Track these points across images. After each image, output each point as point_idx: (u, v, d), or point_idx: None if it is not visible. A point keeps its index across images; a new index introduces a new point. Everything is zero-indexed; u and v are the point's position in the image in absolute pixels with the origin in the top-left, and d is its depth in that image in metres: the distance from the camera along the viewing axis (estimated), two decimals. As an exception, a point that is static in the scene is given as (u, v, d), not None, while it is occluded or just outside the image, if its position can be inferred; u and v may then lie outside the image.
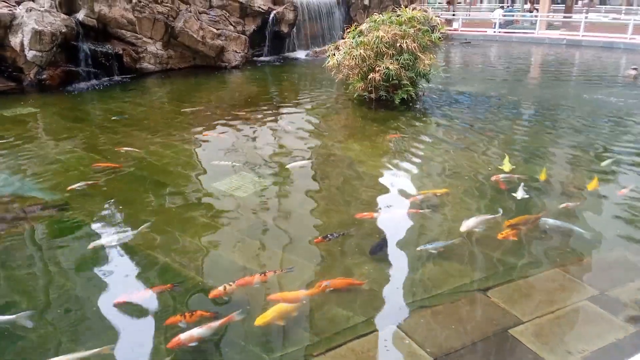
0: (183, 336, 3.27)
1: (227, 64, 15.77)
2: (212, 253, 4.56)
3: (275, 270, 4.12)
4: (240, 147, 7.61)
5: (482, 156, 7.05)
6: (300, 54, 19.10)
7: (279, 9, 17.89)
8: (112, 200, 5.58)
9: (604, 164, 6.58)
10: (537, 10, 29.13)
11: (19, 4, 13.10)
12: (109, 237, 4.67)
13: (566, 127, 8.67)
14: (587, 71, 16.10)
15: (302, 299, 3.72)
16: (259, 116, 9.57)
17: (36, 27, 11.56)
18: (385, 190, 5.92)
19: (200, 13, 15.73)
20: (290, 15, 18.14)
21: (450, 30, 25.22)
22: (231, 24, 16.49)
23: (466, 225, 4.73)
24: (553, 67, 17.20)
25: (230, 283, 3.83)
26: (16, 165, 6.76)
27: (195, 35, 14.89)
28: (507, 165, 6.30)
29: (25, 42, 11.64)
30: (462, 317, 3.54)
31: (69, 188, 5.81)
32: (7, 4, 12.87)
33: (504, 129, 8.54)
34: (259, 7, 17.22)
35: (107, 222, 5.09)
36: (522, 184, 5.70)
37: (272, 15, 17.65)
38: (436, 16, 12.26)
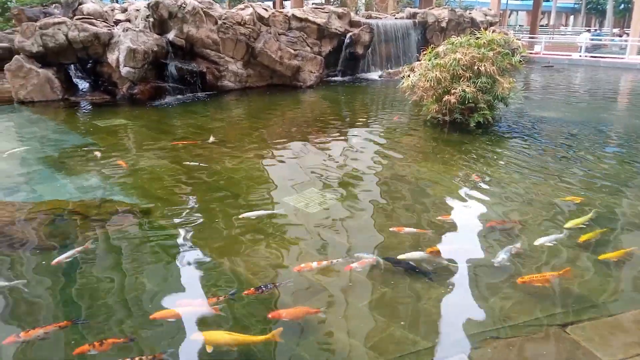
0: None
1: (302, 84, 16.19)
2: (277, 264, 4.65)
3: (218, 297, 3.99)
4: (310, 165, 7.75)
5: (558, 185, 6.69)
6: (374, 75, 19.23)
7: (356, 30, 18.19)
8: (189, 209, 5.88)
9: None
10: (627, 34, 27.46)
11: (117, 24, 14.32)
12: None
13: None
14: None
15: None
16: (331, 135, 9.71)
17: (131, 45, 12.54)
18: (454, 213, 5.77)
19: (279, 34, 16.33)
20: (366, 37, 18.37)
21: (532, 53, 24.36)
22: (308, 45, 16.96)
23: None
24: (645, 94, 16.06)
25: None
26: (107, 171, 7.30)
27: (273, 56, 15.46)
28: (574, 222, 5.29)
29: (121, 59, 12.64)
30: (537, 352, 3.34)
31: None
32: (107, 24, 14.10)
33: (585, 158, 8.05)
34: (336, 29, 17.60)
35: (182, 228, 5.35)
36: (510, 248, 4.71)
37: (348, 36, 17.96)
38: (517, 39, 11.93)
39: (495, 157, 8.15)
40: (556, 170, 7.37)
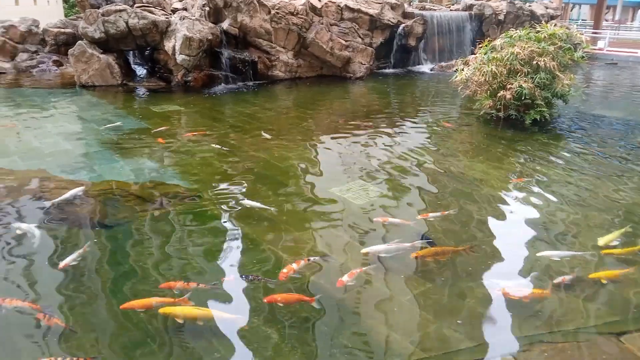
0: None
1: (351, 75, 16.11)
2: (320, 252, 4.68)
3: (199, 284, 4.02)
4: (358, 156, 7.72)
5: (615, 190, 6.35)
6: (425, 68, 18.87)
7: (409, 22, 17.87)
8: (236, 195, 6.00)
9: None
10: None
11: (174, 12, 14.71)
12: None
13: None
14: None
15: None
16: (379, 127, 9.62)
17: (187, 33, 12.85)
18: (501, 214, 5.61)
19: (331, 25, 16.28)
20: (419, 29, 18.03)
21: (594, 49, 23.17)
22: (359, 36, 16.82)
23: (371, 249, 4.56)
24: None
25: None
26: (160, 155, 7.55)
27: (324, 46, 15.44)
28: (607, 239, 4.88)
29: (177, 47, 12.99)
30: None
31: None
32: (164, 12, 14.51)
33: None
34: (389, 20, 17.36)
35: (229, 213, 5.48)
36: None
37: (400, 28, 17.68)
38: (580, 34, 11.38)
39: (549, 157, 7.82)
40: (614, 174, 7.01)
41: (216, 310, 3.75)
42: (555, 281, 4.11)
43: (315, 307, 3.76)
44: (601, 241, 4.83)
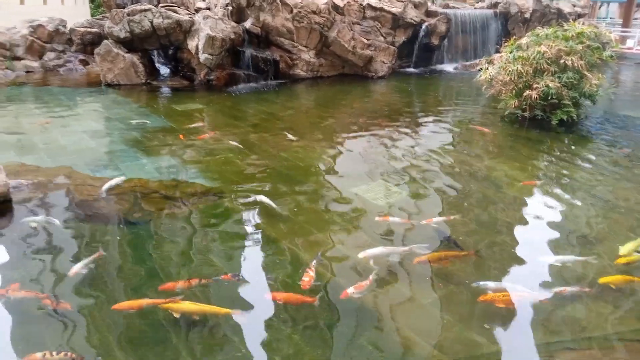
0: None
1: (373, 74, 16.02)
2: (340, 252, 4.65)
3: (201, 279, 4.09)
4: (379, 157, 7.66)
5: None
6: (449, 67, 18.64)
7: (432, 20, 17.68)
8: (257, 194, 5.99)
9: None
10: None
11: (197, 11, 14.84)
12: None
13: None
14: None
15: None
16: (401, 127, 9.54)
17: (210, 33, 12.95)
18: (523, 217, 5.49)
19: (353, 24, 16.21)
20: (442, 28, 17.82)
21: (624, 48, 22.56)
22: (382, 35, 16.71)
23: (367, 253, 4.46)
24: None
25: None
26: (182, 154, 7.62)
27: (346, 45, 15.38)
28: (629, 247, 4.65)
29: (200, 46, 13.10)
30: (617, 368, 3.12)
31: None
32: (188, 12, 14.65)
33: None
34: (412, 19, 17.20)
35: (249, 212, 5.49)
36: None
37: (423, 27, 17.50)
38: (609, 32, 11.08)
39: (576, 159, 7.64)
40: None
41: (218, 307, 3.75)
42: (569, 288, 4.01)
43: (324, 308, 3.75)
44: (623, 249, 4.60)
